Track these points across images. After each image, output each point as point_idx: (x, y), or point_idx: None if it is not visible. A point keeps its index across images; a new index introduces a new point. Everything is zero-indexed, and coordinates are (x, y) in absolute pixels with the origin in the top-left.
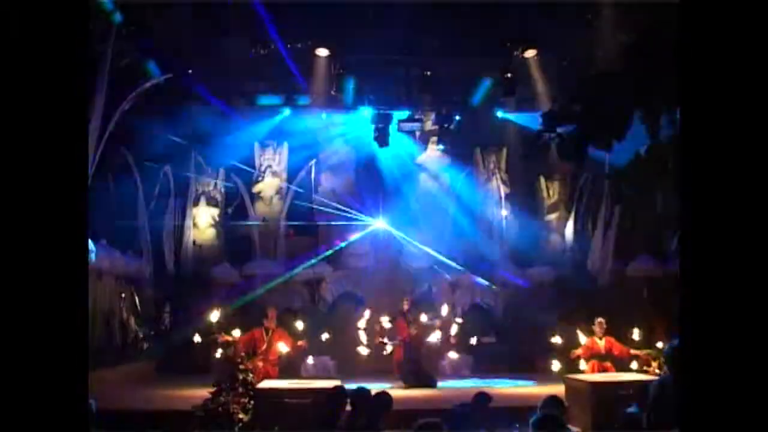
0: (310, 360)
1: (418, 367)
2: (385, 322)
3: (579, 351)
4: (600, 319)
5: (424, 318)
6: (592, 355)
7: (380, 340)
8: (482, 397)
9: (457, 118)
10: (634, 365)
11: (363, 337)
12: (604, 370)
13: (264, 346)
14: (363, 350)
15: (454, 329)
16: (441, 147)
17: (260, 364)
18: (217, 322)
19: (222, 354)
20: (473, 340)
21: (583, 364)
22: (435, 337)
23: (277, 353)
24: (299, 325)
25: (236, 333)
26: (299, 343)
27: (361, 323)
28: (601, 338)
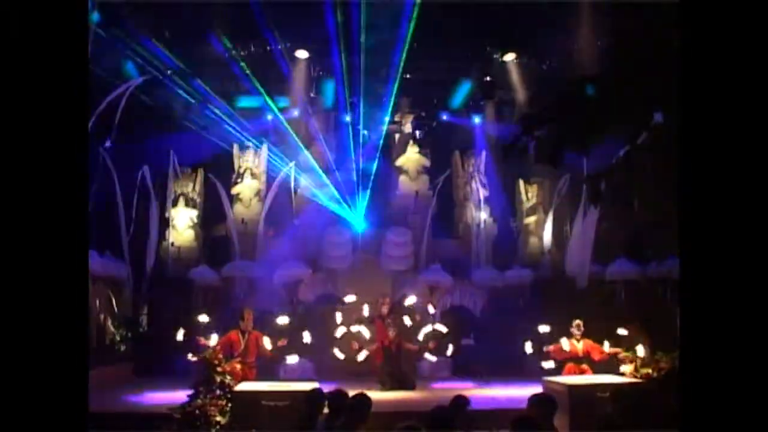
0: (288, 362)
1: (396, 369)
2: (363, 325)
3: (551, 347)
4: (577, 321)
5: (402, 320)
6: (569, 356)
7: (355, 346)
8: (460, 400)
9: (444, 118)
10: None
11: (339, 340)
12: (582, 372)
13: (241, 348)
14: (339, 354)
15: (432, 332)
16: (420, 149)
17: (238, 366)
18: (195, 324)
19: (200, 356)
20: (451, 343)
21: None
22: (413, 339)
23: (255, 355)
24: (277, 326)
25: (214, 336)
26: (279, 342)
27: (339, 328)
28: (579, 340)
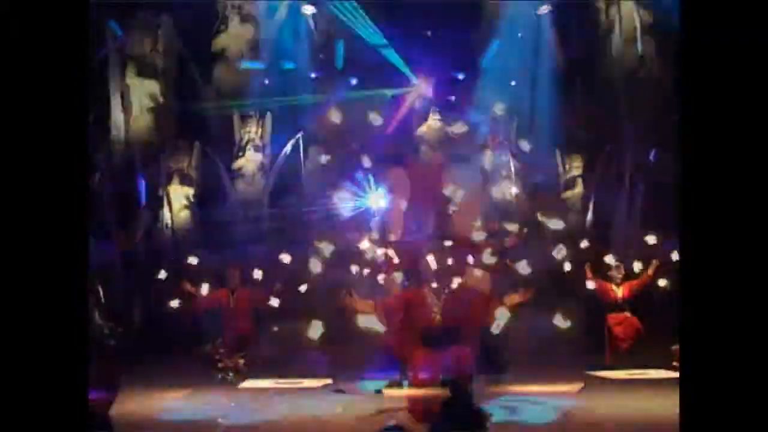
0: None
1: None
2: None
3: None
4: (617, 263)
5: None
6: (608, 301)
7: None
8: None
9: (472, 80)
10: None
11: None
12: (625, 322)
13: (230, 307)
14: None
15: None
16: (443, 117)
17: (241, 362)
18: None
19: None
20: None
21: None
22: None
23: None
24: None
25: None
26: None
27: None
28: (619, 285)
